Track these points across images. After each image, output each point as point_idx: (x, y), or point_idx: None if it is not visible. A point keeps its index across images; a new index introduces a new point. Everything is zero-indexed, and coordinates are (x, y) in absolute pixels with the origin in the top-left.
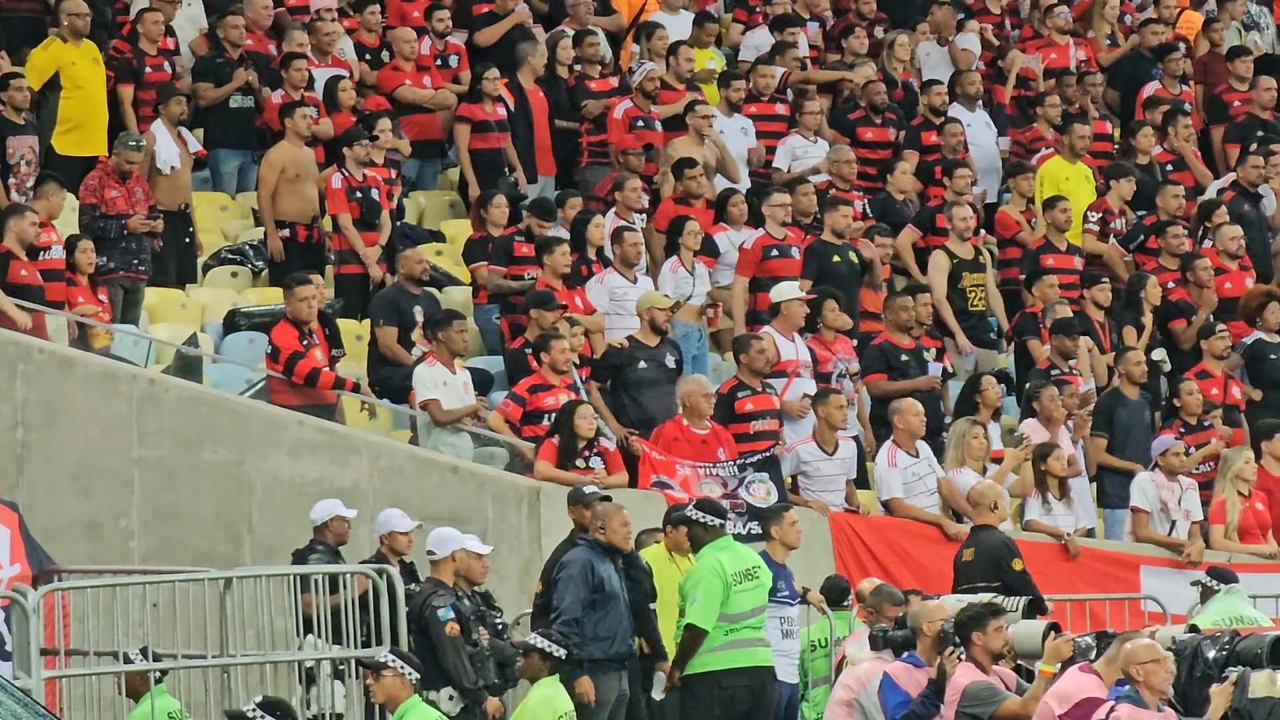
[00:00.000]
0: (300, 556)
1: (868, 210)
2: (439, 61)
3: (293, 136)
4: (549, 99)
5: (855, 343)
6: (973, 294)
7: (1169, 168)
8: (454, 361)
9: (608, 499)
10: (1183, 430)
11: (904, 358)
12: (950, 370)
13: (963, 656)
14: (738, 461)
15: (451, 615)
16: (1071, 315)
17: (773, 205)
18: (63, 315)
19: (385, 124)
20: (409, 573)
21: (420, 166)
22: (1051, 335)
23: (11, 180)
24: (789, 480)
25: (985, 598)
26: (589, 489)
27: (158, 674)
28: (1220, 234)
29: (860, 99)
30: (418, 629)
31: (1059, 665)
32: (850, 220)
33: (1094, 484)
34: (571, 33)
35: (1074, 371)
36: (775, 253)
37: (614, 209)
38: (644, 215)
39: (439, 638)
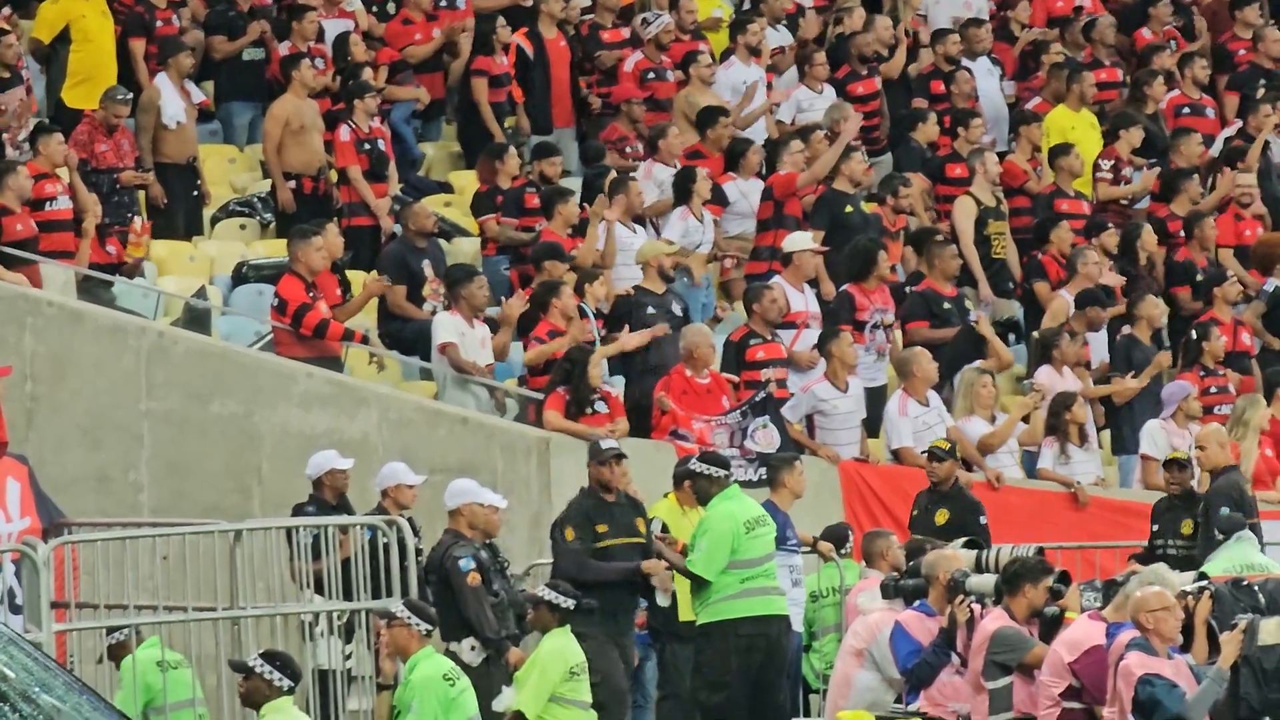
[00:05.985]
0: (296, 513)
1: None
2: (444, 3)
3: (297, 88)
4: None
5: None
6: (996, 241)
7: (1185, 110)
8: (473, 317)
9: (622, 456)
10: (1202, 374)
11: (946, 305)
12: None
13: (984, 604)
14: (740, 408)
15: (473, 566)
16: (1097, 286)
17: (792, 153)
18: (71, 268)
19: (367, 73)
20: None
21: (422, 125)
22: (1082, 306)
23: (5, 135)
24: (797, 424)
25: (1030, 550)
26: (606, 444)
27: (127, 633)
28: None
29: (851, 49)
30: (438, 579)
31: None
32: (865, 167)
33: (1106, 431)
34: None
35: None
36: None
37: (653, 157)
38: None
39: (461, 588)
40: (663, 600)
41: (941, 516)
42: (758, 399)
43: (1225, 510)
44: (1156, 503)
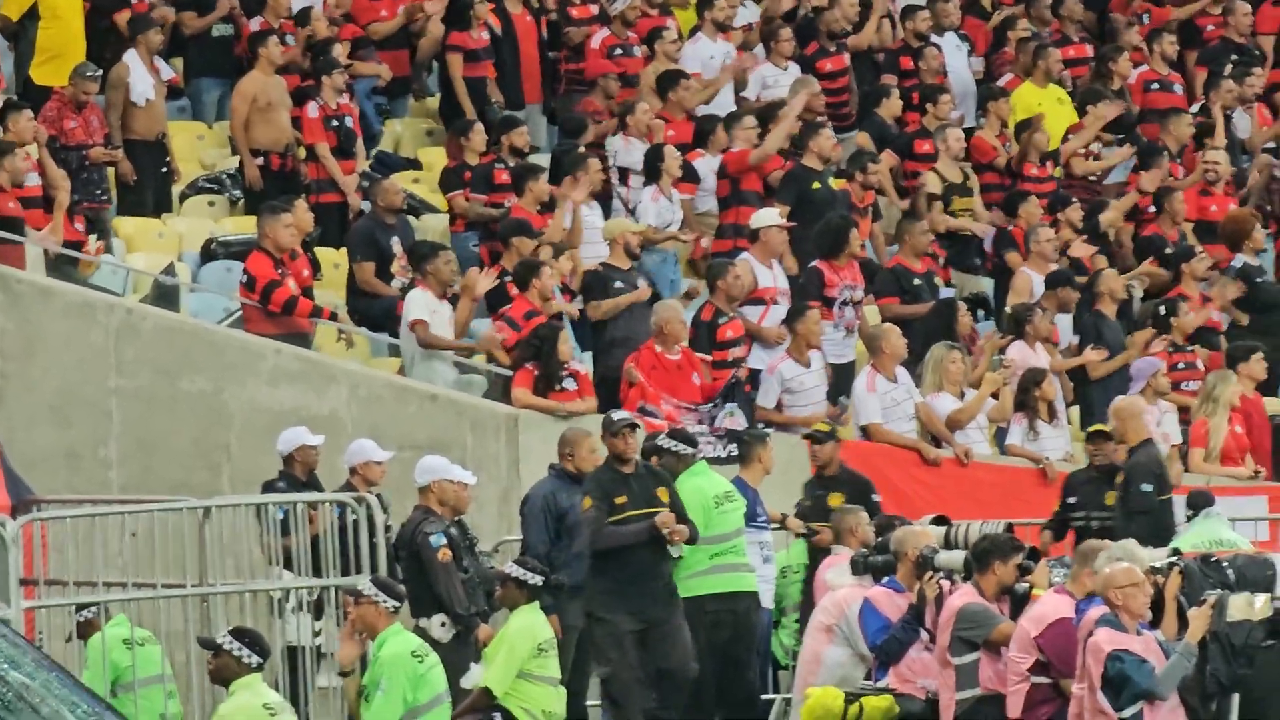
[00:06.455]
0: (266, 489)
1: None
2: None
3: (264, 65)
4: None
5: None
6: (961, 217)
7: (1154, 86)
8: (442, 294)
9: (635, 425)
10: (1170, 350)
11: (916, 281)
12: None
13: (953, 580)
14: (712, 400)
15: (444, 541)
16: (1068, 267)
17: (744, 129)
18: (39, 245)
19: (336, 49)
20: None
21: (389, 102)
22: (1053, 287)
23: None
24: (770, 407)
25: (1000, 526)
26: (617, 415)
27: (95, 611)
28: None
29: (820, 26)
30: (409, 555)
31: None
32: (834, 143)
33: (1075, 407)
34: None
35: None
36: None
37: (623, 132)
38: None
39: (431, 564)
40: (675, 552)
41: (836, 499)
42: (726, 386)
43: (1147, 486)
44: (1074, 474)
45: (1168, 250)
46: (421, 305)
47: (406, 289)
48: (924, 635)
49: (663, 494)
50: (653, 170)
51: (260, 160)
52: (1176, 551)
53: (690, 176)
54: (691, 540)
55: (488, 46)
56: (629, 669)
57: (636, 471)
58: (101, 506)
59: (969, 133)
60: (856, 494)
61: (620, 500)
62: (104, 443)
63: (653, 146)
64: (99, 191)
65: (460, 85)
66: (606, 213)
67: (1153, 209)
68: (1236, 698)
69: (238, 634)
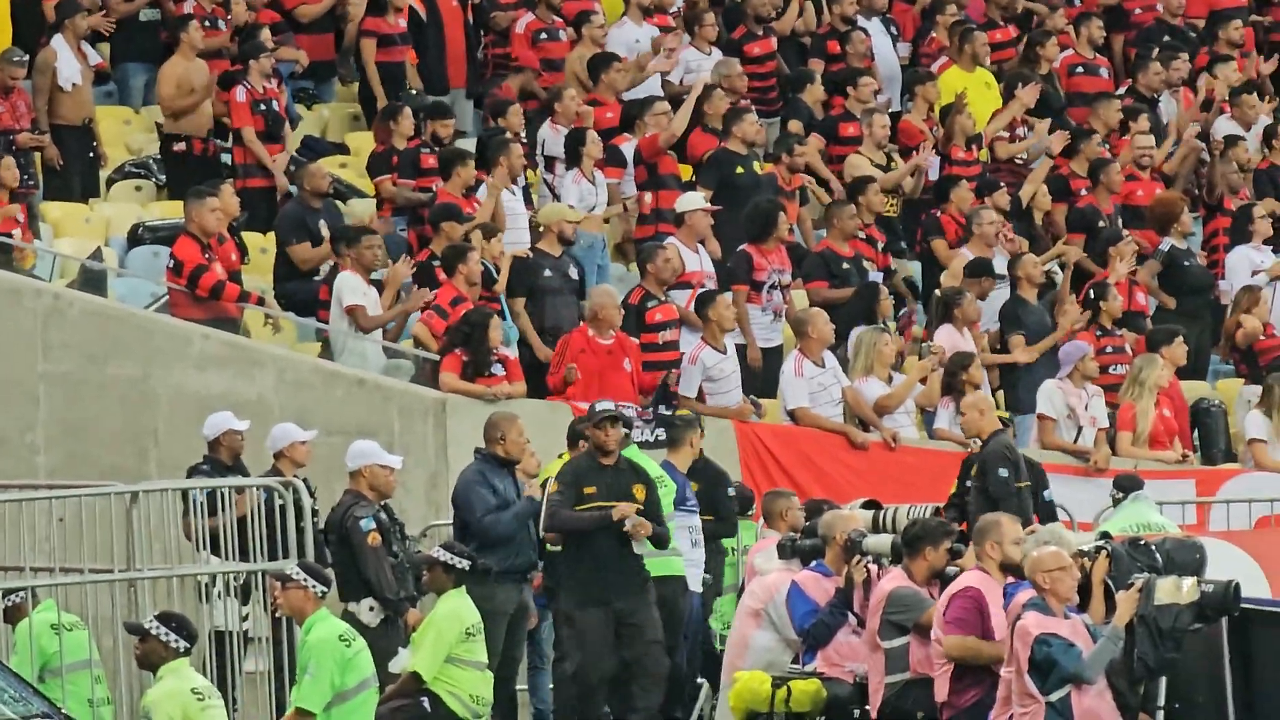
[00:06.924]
0: (191, 474)
1: None
2: None
3: (185, 50)
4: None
5: None
6: (886, 201)
7: (1079, 70)
8: (367, 278)
9: (617, 419)
10: (1099, 333)
11: (845, 265)
12: None
13: (881, 564)
14: (646, 404)
15: (374, 526)
16: (990, 257)
17: (655, 114)
18: None
19: (265, 34)
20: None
21: (315, 87)
22: (975, 275)
23: None
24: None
25: (927, 510)
26: (600, 405)
27: (23, 596)
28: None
29: (747, 10)
30: (338, 539)
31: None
32: (758, 128)
33: (999, 391)
34: None
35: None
36: None
37: (550, 119)
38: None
39: (361, 548)
40: (638, 548)
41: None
42: (659, 390)
43: (1003, 471)
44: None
45: (1101, 224)
46: (354, 289)
47: (331, 272)
48: (852, 619)
49: (639, 491)
50: (573, 154)
51: (182, 145)
52: (1105, 535)
53: (616, 160)
54: (659, 543)
55: (405, 32)
56: (586, 671)
57: (616, 465)
58: (29, 491)
59: (895, 117)
60: (710, 483)
61: (589, 491)
62: (31, 428)
63: (573, 130)
64: (26, 177)
65: (373, 70)
66: (526, 200)
67: (1084, 192)
68: (1164, 681)
69: (165, 619)
